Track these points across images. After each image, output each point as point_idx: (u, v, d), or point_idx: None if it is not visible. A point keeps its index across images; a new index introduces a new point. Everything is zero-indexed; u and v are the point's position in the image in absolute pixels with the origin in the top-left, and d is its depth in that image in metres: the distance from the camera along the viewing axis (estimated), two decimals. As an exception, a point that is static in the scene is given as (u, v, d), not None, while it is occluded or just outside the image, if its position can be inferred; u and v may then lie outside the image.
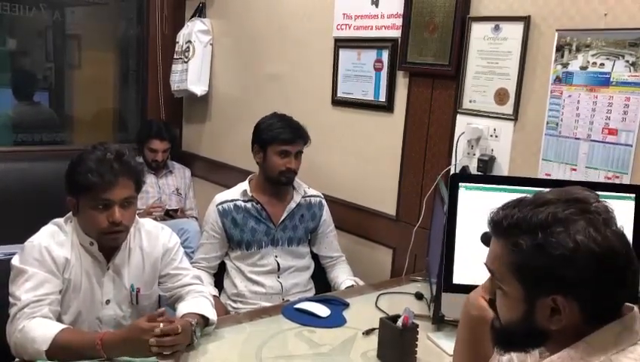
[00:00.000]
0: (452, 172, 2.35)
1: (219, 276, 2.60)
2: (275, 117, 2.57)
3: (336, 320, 2.00)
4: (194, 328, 1.69)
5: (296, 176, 2.56)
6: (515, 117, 2.21)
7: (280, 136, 2.48)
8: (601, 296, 0.99)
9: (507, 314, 1.08)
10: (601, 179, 1.98)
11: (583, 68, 2.00)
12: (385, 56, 2.66)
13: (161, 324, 1.55)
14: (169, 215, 3.49)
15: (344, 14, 2.83)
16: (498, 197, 1.76)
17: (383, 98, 2.69)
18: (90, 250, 1.80)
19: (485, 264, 1.12)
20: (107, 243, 1.80)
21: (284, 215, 2.55)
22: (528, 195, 1.08)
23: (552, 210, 1.00)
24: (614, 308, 1.02)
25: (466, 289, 1.68)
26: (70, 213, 1.82)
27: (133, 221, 1.84)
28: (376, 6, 2.68)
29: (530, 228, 1.01)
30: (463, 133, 2.36)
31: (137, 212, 1.90)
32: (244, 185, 2.57)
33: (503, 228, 1.05)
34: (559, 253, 0.97)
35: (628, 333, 1.00)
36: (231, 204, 2.52)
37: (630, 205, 1.66)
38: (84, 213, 1.76)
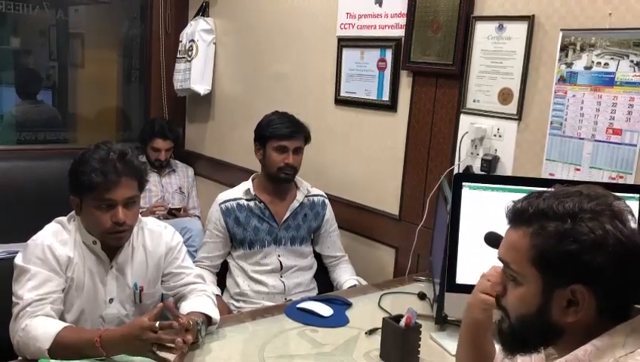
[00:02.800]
0: (455, 171, 2.35)
1: (221, 275, 2.60)
2: (275, 114, 2.57)
3: (338, 320, 2.00)
4: (199, 327, 1.69)
5: (297, 174, 2.56)
6: (518, 117, 2.21)
7: (277, 131, 2.48)
8: (619, 290, 0.99)
9: (520, 308, 1.06)
10: (605, 180, 1.97)
11: (588, 68, 1.99)
12: (388, 55, 2.66)
13: (157, 324, 1.52)
14: (172, 214, 3.50)
15: (347, 14, 2.82)
16: (502, 197, 1.77)
17: (386, 97, 2.69)
18: (94, 248, 1.80)
19: (499, 256, 1.10)
20: (111, 243, 1.80)
21: (287, 214, 2.55)
22: (549, 189, 1.07)
23: (577, 201, 1.01)
24: (626, 306, 1.02)
25: (470, 289, 1.67)
26: (73, 212, 1.82)
27: (136, 220, 1.83)
28: (380, 5, 2.68)
29: (558, 215, 1.00)
30: (467, 132, 2.35)
31: (140, 211, 1.90)
32: (247, 184, 2.57)
33: (527, 215, 1.04)
34: (588, 239, 0.96)
35: (636, 335, 1.00)
36: (234, 203, 2.52)
37: (634, 205, 1.66)
38: (87, 212, 1.76)
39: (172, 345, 1.52)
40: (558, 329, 1.03)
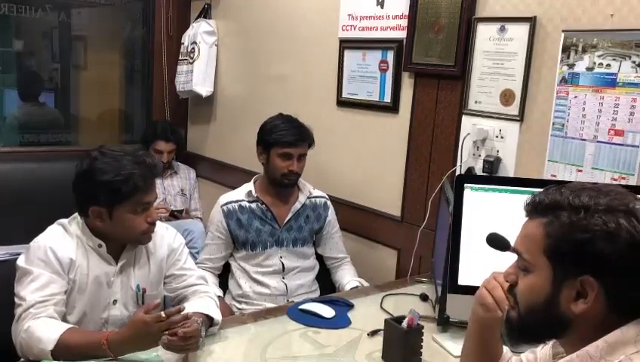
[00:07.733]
0: (457, 173, 2.35)
1: (223, 277, 2.60)
2: (280, 118, 2.56)
3: (341, 321, 2.00)
4: (200, 328, 1.69)
5: (300, 178, 2.56)
6: (520, 118, 2.20)
7: (282, 138, 2.47)
8: (630, 286, 0.99)
9: (530, 297, 1.07)
10: (608, 181, 1.97)
11: (589, 69, 1.99)
12: (390, 56, 2.66)
13: (162, 313, 1.55)
14: (174, 216, 3.50)
15: (349, 15, 2.83)
16: (504, 199, 1.77)
17: (388, 99, 2.69)
18: (99, 251, 1.80)
19: (513, 246, 1.12)
20: (143, 242, 1.84)
21: (289, 216, 2.55)
22: (567, 185, 1.08)
23: (594, 195, 1.02)
24: (637, 304, 1.01)
25: (472, 290, 1.67)
26: (75, 214, 1.82)
27: None
28: (382, 7, 2.68)
29: (573, 207, 1.01)
30: (469, 133, 2.35)
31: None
32: (249, 186, 2.57)
33: (544, 205, 1.05)
34: (600, 230, 0.97)
35: None
36: (236, 205, 2.52)
37: (637, 206, 1.65)
38: (120, 219, 1.75)
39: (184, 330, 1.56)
40: (566, 321, 1.03)
